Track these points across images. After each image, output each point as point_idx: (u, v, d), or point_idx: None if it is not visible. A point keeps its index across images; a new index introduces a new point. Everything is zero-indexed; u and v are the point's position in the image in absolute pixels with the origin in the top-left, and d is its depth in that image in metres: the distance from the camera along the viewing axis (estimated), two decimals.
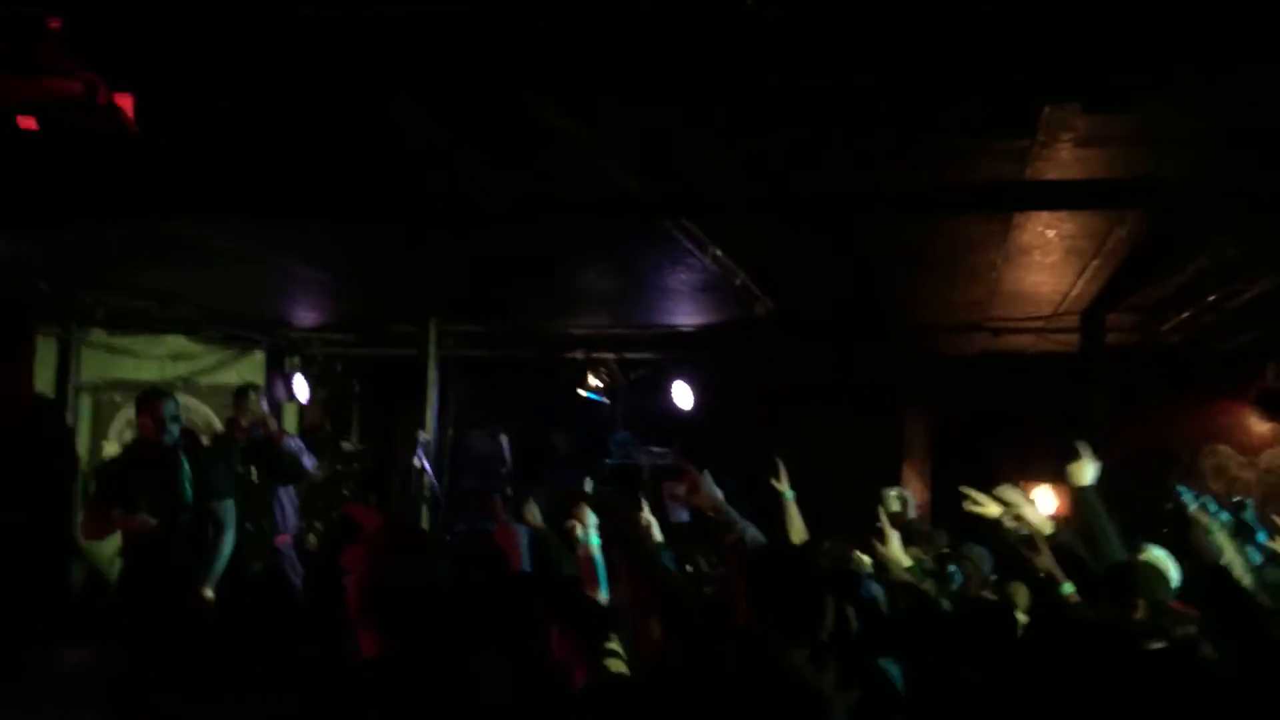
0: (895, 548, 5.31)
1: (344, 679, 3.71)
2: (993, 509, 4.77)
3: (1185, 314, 7.17)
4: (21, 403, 8.06)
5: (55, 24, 2.63)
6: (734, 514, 4.00)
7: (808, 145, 4.08)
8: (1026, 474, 8.54)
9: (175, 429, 5.70)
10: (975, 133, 3.80)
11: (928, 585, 5.04)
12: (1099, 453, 4.70)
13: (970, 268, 6.37)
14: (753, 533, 3.96)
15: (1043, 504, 8.36)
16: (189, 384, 9.28)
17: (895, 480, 9.17)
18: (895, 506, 7.30)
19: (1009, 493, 4.76)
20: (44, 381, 8.30)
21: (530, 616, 3.90)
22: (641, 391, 9.93)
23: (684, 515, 4.72)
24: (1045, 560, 4.39)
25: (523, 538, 4.49)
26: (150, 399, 5.75)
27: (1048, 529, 4.49)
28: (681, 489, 4.28)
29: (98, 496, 5.98)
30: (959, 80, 3.11)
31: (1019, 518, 4.62)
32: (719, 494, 4.03)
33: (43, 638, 7.05)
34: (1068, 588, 4.28)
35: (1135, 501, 7.15)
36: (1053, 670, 3.77)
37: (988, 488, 5.06)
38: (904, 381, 9.62)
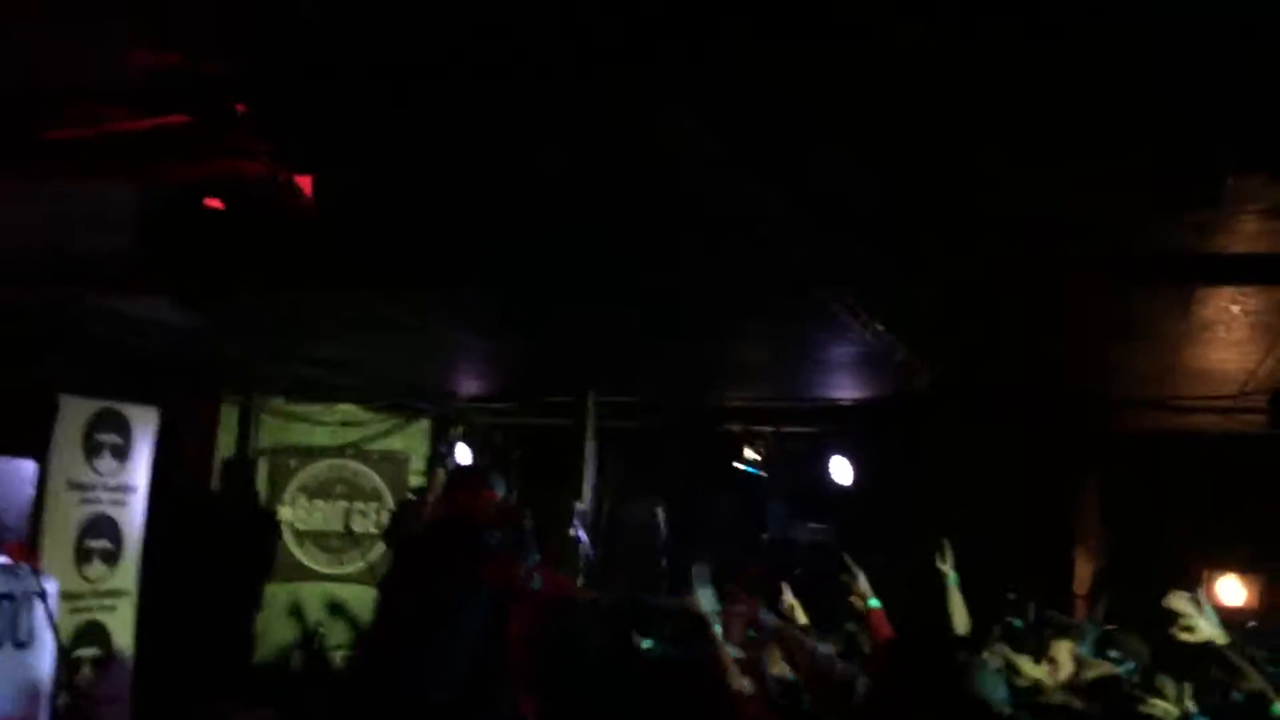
0: (1029, 670, 4.97)
1: None
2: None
3: None
4: (209, 468, 8.52)
5: (240, 108, 2.79)
6: (797, 633, 3.98)
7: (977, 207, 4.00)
8: (1209, 560, 8.06)
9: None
10: (1159, 204, 3.66)
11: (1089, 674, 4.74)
12: None
13: (1150, 342, 6.09)
14: (824, 650, 3.95)
15: (1229, 594, 7.90)
16: (359, 450, 9.62)
17: (1068, 566, 8.76)
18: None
19: (1179, 602, 4.48)
20: (225, 447, 8.74)
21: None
22: (799, 465, 9.78)
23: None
24: (1254, 682, 4.08)
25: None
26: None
27: (1221, 639, 4.20)
28: (741, 612, 4.25)
29: None
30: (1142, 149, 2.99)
31: (1190, 629, 4.34)
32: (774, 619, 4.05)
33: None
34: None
35: None
36: None
37: (1166, 572, 4.78)
38: (1078, 461, 9.21)
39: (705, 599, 4.27)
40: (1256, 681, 4.04)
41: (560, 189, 3.91)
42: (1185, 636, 4.35)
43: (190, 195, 2.94)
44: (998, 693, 3.36)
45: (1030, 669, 4.86)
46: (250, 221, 3.05)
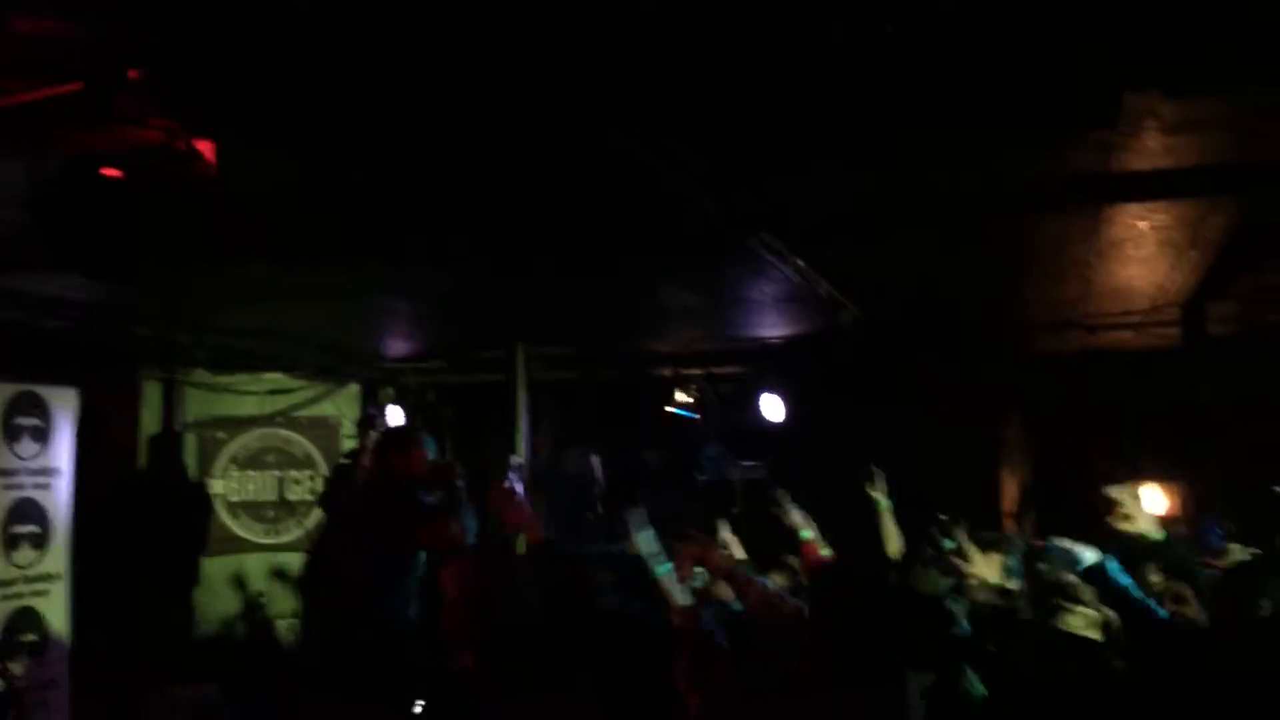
0: (979, 564, 5.14)
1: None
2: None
3: None
4: (134, 446, 8.37)
5: (134, 74, 2.71)
6: (747, 571, 4.07)
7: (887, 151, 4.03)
8: (1132, 474, 8.29)
9: None
10: (1056, 126, 3.71)
11: (1014, 585, 4.89)
12: (1210, 447, 4.56)
13: (1061, 264, 6.21)
14: (770, 585, 4.05)
15: (1151, 503, 8.15)
16: (288, 418, 9.51)
17: (994, 486, 8.97)
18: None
19: (1117, 491, 4.62)
20: (150, 423, 8.59)
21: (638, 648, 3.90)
22: (731, 406, 9.86)
23: (695, 583, 4.68)
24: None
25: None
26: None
27: (1155, 534, 4.35)
28: (694, 555, 4.31)
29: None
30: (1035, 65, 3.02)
31: (1128, 516, 4.48)
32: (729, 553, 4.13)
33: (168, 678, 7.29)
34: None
35: (1249, 497, 6.90)
36: None
37: (1092, 489, 4.90)
38: (998, 384, 9.40)
39: (644, 542, 4.32)
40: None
41: (478, 145, 3.86)
42: (1124, 526, 4.49)
43: (84, 165, 2.86)
44: (940, 586, 3.47)
45: (980, 564, 4.99)
46: (151, 191, 2.98)
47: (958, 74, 3.07)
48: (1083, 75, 3.13)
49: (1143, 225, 5.31)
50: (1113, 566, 4.13)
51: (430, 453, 5.92)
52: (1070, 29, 2.79)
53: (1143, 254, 5.93)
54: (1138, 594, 4.07)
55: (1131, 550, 4.59)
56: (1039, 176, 4.30)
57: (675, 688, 3.84)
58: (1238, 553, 5.31)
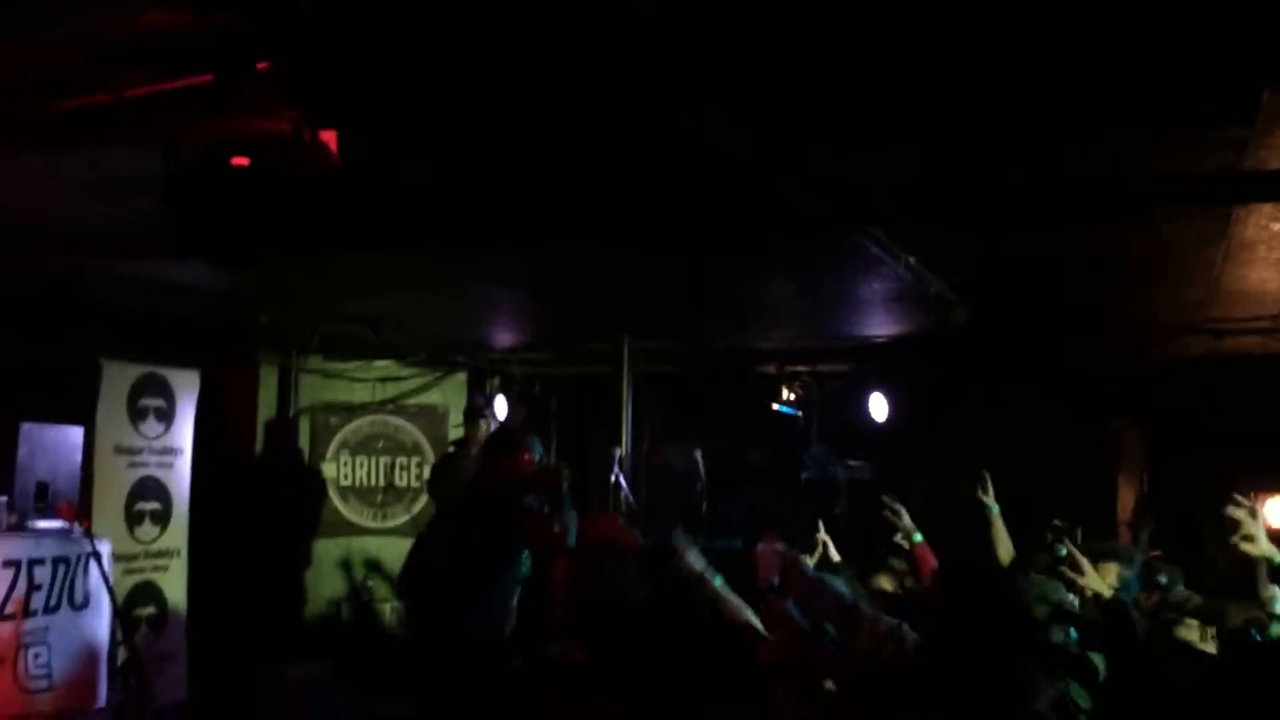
0: (1092, 576, 4.95)
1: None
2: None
3: None
4: (251, 428, 8.64)
5: (262, 65, 2.78)
6: (826, 583, 3.98)
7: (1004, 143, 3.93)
8: (1255, 484, 7.96)
9: None
10: (1190, 123, 3.57)
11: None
12: None
13: (1189, 266, 5.99)
14: (848, 592, 3.96)
15: (1277, 516, 7.82)
16: (398, 406, 9.71)
17: (1110, 495, 8.71)
18: None
19: (1239, 512, 4.42)
20: (267, 407, 8.84)
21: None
22: (836, 405, 9.76)
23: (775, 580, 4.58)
24: None
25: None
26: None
27: (1277, 557, 4.15)
28: (776, 568, 4.21)
29: None
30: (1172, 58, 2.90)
31: (1250, 538, 4.28)
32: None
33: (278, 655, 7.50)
34: None
35: None
36: None
37: (1211, 499, 4.70)
38: (1116, 388, 9.12)
39: (695, 560, 4.21)
40: None
41: (586, 142, 3.88)
42: (1246, 547, 4.29)
43: (214, 155, 2.95)
44: (1049, 598, 3.37)
45: (1092, 576, 4.81)
46: (276, 181, 3.06)
47: (1087, 63, 2.97)
48: (1221, 71, 3.00)
49: (1277, 227, 5.10)
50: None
51: (537, 455, 6.01)
52: (1211, 23, 2.67)
53: (1275, 256, 5.69)
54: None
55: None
56: (1170, 173, 4.14)
57: (767, 678, 3.79)
58: None
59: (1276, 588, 4.33)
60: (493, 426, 8.43)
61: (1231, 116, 3.43)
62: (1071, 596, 4.41)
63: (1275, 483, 7.85)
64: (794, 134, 3.82)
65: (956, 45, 2.87)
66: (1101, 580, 4.88)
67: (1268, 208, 4.76)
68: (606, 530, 5.56)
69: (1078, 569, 4.72)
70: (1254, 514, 4.43)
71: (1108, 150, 3.98)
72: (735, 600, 3.88)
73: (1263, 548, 4.21)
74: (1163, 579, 5.29)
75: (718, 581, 3.95)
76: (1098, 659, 3.76)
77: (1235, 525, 4.37)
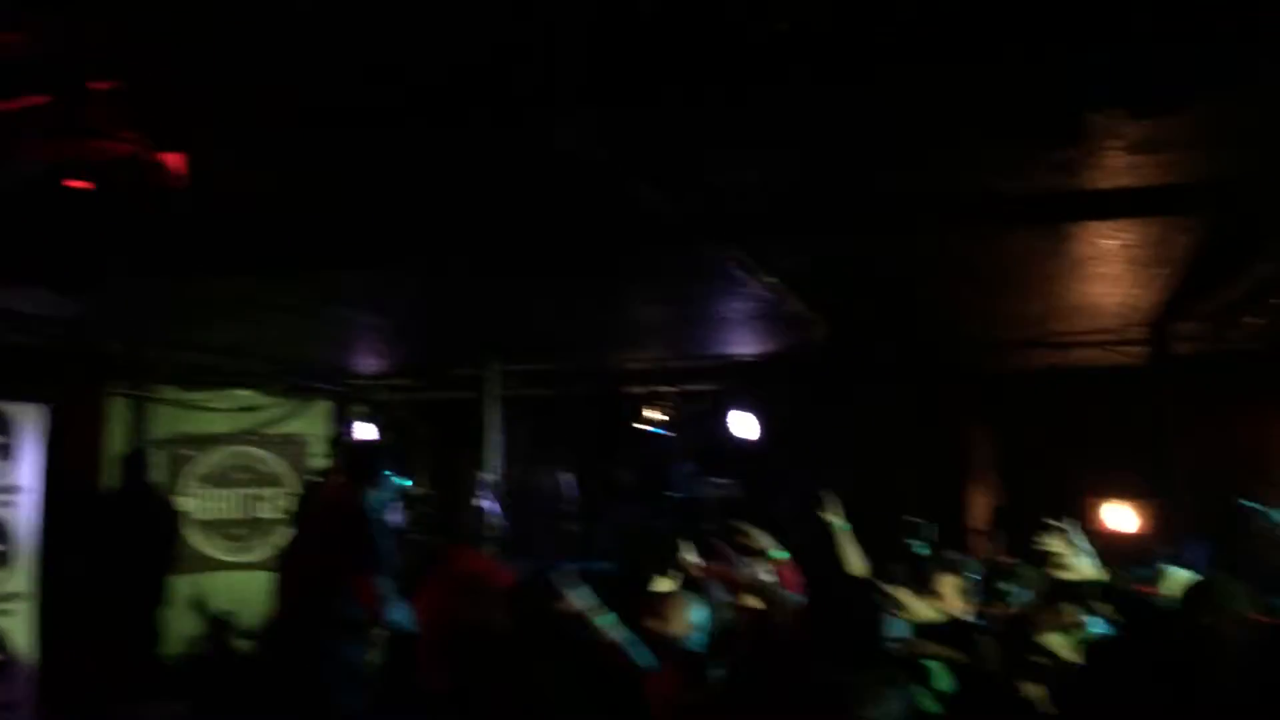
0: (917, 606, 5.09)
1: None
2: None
3: (1257, 319, 6.94)
4: (102, 463, 8.28)
5: (101, 86, 2.70)
6: (772, 590, 4.07)
7: (851, 161, 4.06)
8: (1100, 491, 8.35)
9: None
10: (1020, 142, 3.74)
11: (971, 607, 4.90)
12: (1170, 465, 4.59)
13: (1029, 281, 6.26)
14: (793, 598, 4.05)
15: (1121, 521, 8.20)
16: (260, 436, 9.44)
17: (958, 501, 9.02)
18: None
19: (1053, 543, 4.62)
20: (118, 440, 8.50)
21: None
22: (704, 423, 9.87)
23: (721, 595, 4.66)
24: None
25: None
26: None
27: (1095, 575, 4.36)
28: (717, 570, 4.28)
29: None
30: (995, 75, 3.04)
31: (1064, 567, 4.48)
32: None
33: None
34: None
35: (1209, 513, 6.95)
36: None
37: (1059, 505, 4.91)
38: (966, 399, 9.45)
39: (581, 598, 4.17)
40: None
41: (445, 165, 3.87)
42: (1062, 575, 4.48)
43: (48, 176, 2.84)
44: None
45: (914, 604, 4.96)
46: (118, 203, 2.96)
47: (914, 83, 3.10)
48: (1048, 95, 3.16)
49: (1111, 243, 5.36)
50: None
51: (387, 475, 5.92)
52: (1038, 46, 2.82)
53: (1112, 271, 5.98)
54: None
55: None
56: (1001, 191, 4.33)
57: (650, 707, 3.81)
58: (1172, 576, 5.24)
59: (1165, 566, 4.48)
60: None
61: (1058, 137, 3.61)
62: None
63: (1117, 490, 8.24)
64: (651, 149, 3.88)
65: (800, 65, 2.96)
66: (941, 594, 5.04)
67: (1102, 226, 5.01)
68: (471, 564, 5.52)
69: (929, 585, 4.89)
70: (1069, 542, 4.63)
71: (941, 169, 4.14)
72: (619, 636, 3.87)
73: (1081, 572, 4.39)
74: (1007, 587, 5.47)
75: (609, 620, 3.92)
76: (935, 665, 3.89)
77: (1046, 558, 4.58)
